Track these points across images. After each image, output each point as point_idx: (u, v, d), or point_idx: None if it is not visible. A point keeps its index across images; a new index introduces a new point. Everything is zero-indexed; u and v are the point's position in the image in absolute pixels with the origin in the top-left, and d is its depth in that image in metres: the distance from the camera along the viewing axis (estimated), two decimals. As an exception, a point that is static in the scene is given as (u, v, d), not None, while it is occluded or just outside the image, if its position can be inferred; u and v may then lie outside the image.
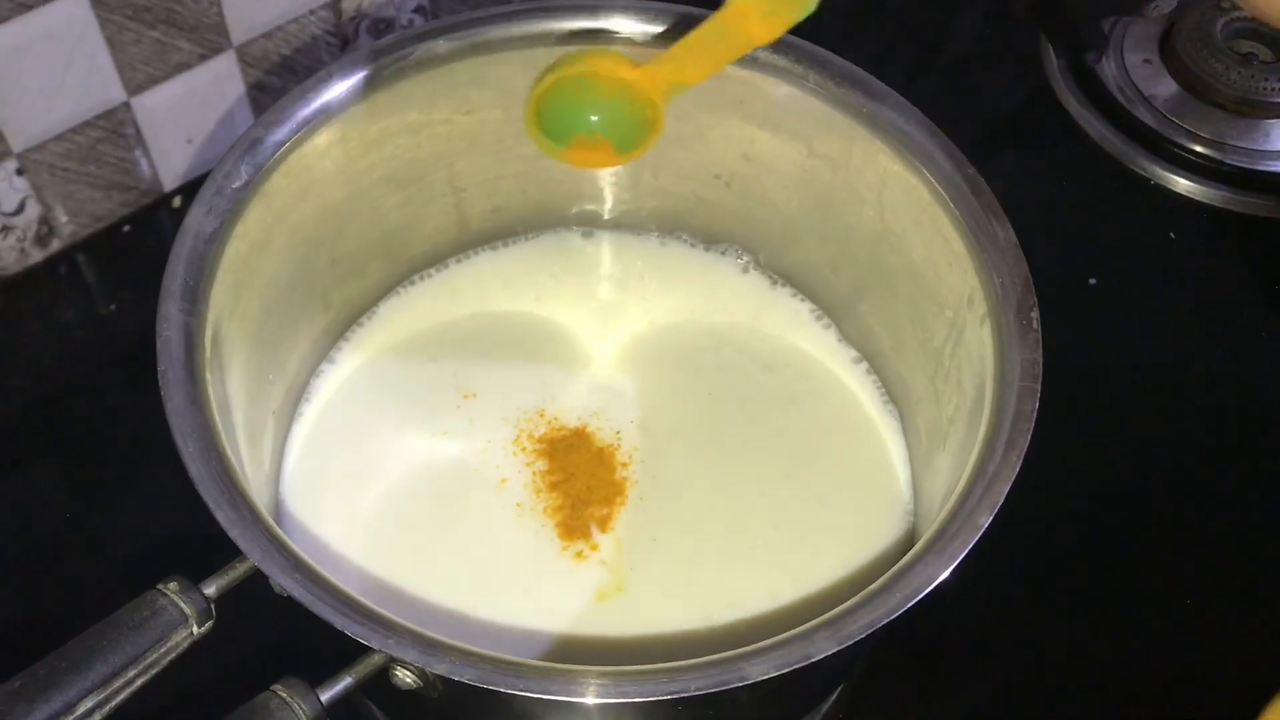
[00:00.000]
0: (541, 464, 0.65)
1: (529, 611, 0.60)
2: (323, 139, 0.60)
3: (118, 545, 0.69)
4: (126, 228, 0.81)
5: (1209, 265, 0.83)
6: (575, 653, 0.59)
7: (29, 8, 0.67)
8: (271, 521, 0.47)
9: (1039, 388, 0.51)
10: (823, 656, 0.44)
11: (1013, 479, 0.48)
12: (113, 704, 0.43)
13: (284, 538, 0.46)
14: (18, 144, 0.73)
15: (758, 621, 0.60)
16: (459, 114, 0.65)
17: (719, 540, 0.63)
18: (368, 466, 0.65)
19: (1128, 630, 0.68)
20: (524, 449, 0.65)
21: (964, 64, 0.94)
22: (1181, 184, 0.85)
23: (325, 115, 0.59)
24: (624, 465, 0.65)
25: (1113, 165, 0.86)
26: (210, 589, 0.46)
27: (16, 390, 0.76)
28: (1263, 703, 0.61)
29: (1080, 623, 0.69)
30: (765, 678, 0.43)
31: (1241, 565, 0.70)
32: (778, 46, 0.61)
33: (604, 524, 0.63)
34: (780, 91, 0.62)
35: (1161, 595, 0.69)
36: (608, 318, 0.71)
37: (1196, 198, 0.85)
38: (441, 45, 0.61)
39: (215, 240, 0.54)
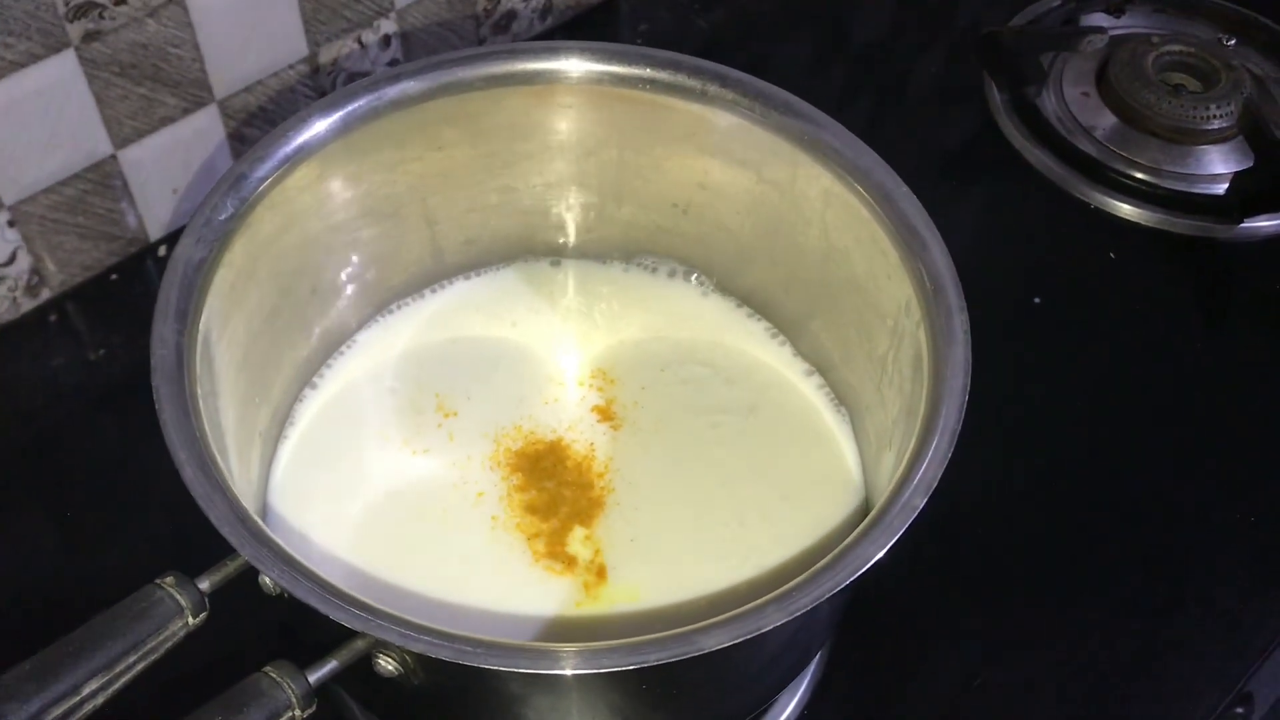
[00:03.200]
0: (517, 478, 0.67)
1: (507, 618, 0.62)
2: (303, 175, 0.62)
3: (108, 583, 0.69)
4: (114, 276, 0.83)
5: (1147, 282, 0.86)
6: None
7: (20, 66, 0.70)
8: (259, 521, 0.49)
9: (969, 381, 0.53)
10: (773, 628, 0.46)
11: (945, 462, 0.51)
12: (115, 686, 0.45)
13: (271, 535, 0.49)
14: (9, 196, 0.74)
15: (727, 607, 0.61)
16: (431, 151, 0.67)
17: (691, 537, 0.65)
18: (349, 485, 0.66)
19: (1065, 609, 0.71)
20: (500, 464, 0.67)
21: (916, 103, 0.97)
22: (1121, 208, 0.88)
23: (305, 153, 0.61)
24: (600, 476, 0.67)
25: (1055, 192, 0.89)
26: (204, 584, 0.48)
27: (9, 433, 0.77)
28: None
29: (1030, 608, 0.71)
30: (720, 648, 0.46)
31: (1173, 567, 0.73)
32: (725, 82, 0.65)
33: (585, 539, 0.65)
34: (728, 122, 0.65)
35: (1099, 585, 0.72)
36: (578, 339, 0.73)
37: (1135, 220, 0.88)
38: (413, 86, 0.64)
39: (204, 268, 0.56)
